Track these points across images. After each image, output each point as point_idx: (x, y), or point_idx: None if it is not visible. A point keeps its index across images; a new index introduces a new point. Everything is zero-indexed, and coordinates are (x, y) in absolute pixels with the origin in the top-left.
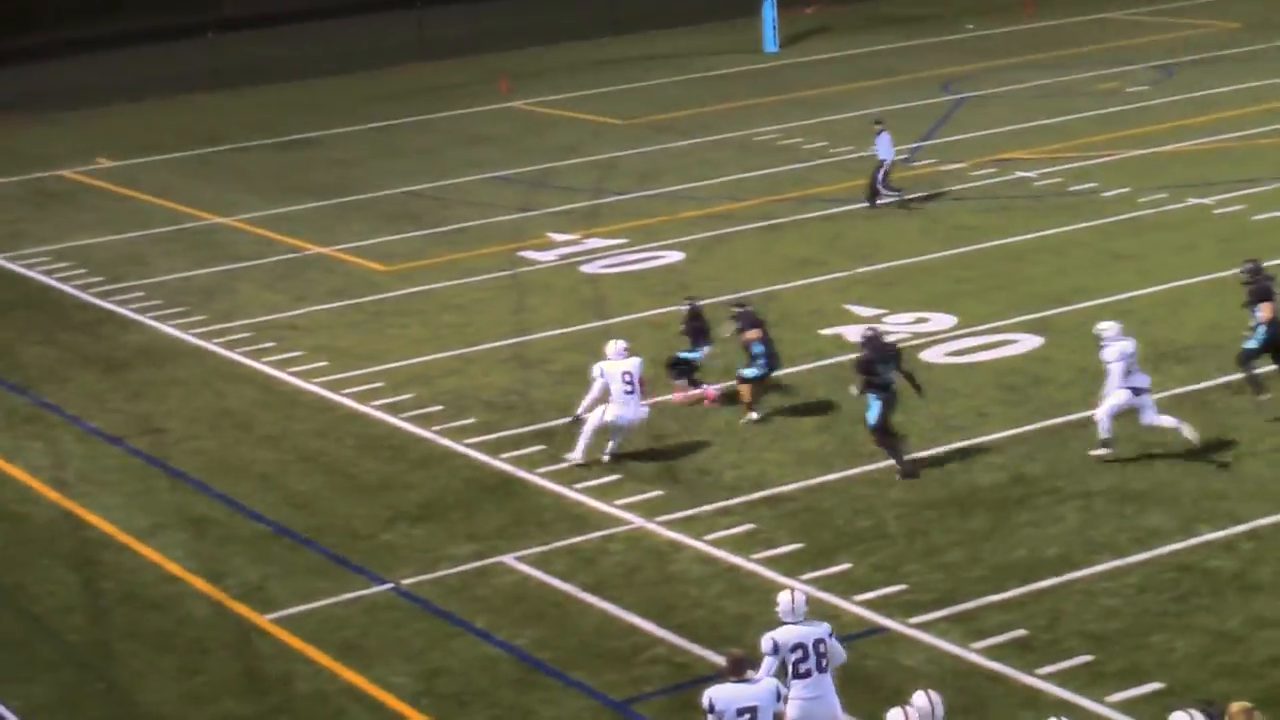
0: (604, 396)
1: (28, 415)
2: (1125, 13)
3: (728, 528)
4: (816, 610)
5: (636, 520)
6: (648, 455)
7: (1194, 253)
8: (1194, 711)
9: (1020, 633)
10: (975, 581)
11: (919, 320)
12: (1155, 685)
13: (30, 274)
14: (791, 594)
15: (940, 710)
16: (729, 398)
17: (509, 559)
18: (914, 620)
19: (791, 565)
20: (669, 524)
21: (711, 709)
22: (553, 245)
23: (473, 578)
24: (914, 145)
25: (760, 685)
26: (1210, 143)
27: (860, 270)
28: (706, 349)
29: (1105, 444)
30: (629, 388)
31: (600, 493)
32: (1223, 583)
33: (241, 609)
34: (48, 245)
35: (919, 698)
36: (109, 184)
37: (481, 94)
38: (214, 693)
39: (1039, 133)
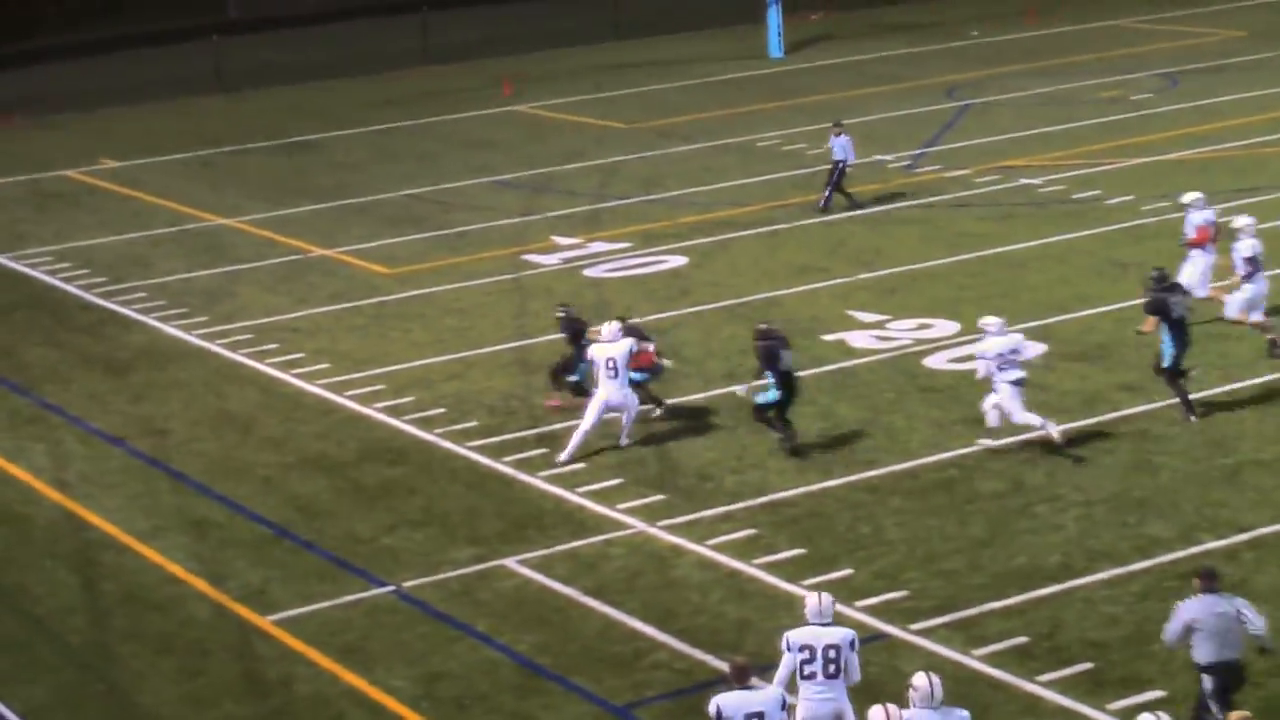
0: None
1: (30, 416)
2: (1130, 20)
3: (729, 533)
4: None
5: (638, 525)
6: (649, 460)
7: None
8: (1161, 714)
9: (1021, 640)
10: (976, 588)
11: (922, 326)
12: (1156, 693)
13: (33, 274)
14: (819, 596)
15: (939, 691)
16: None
17: (510, 563)
18: (915, 627)
19: (793, 571)
20: (670, 529)
21: (719, 716)
22: (556, 249)
23: (474, 581)
24: (917, 152)
25: (766, 692)
26: (1214, 151)
27: (862, 276)
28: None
29: (991, 434)
30: (611, 372)
31: (602, 497)
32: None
33: (242, 611)
34: (50, 246)
35: (919, 678)
36: (112, 185)
37: (485, 98)
38: (214, 695)
39: (1043, 140)
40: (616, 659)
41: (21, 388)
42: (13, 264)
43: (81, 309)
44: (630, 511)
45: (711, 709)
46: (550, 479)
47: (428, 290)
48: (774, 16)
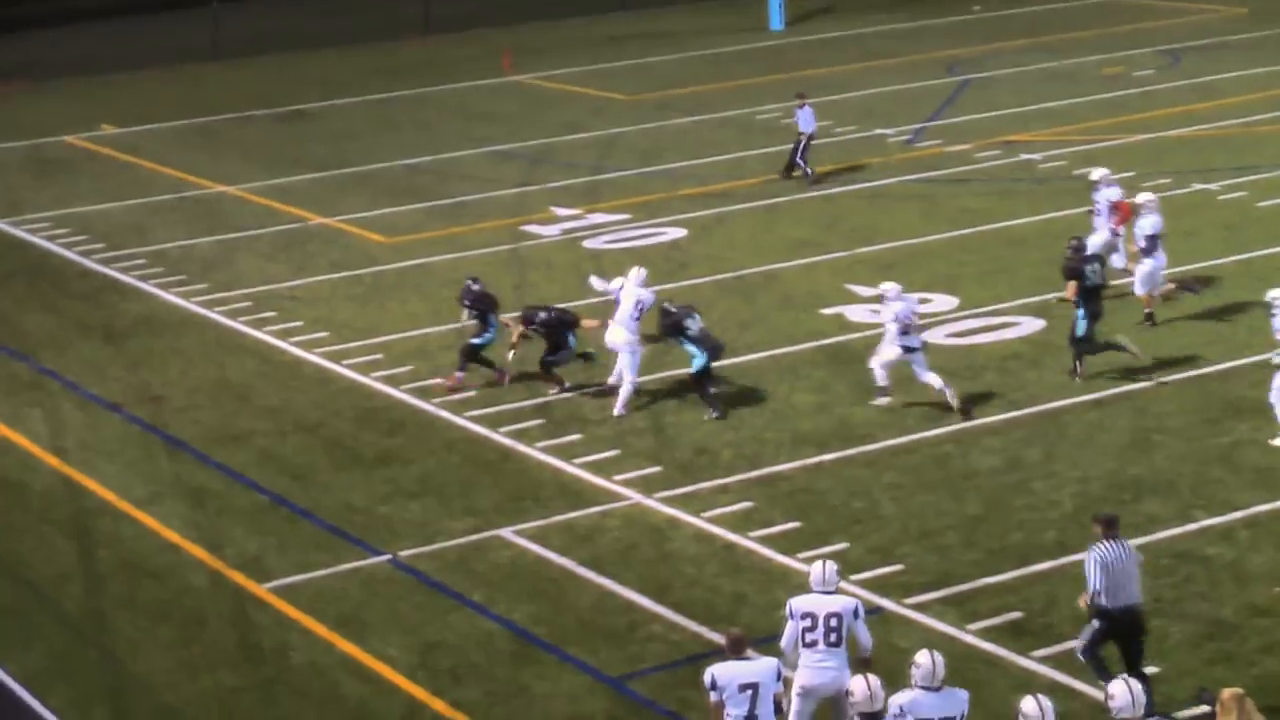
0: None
1: (28, 382)
2: None
3: (725, 506)
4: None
5: (634, 496)
6: (646, 432)
7: (1197, 239)
8: (1041, 697)
9: (1015, 615)
10: (970, 564)
11: (921, 301)
12: (1150, 670)
13: (32, 240)
14: (823, 564)
15: (941, 671)
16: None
17: (506, 533)
18: (909, 601)
19: (788, 545)
20: (666, 501)
21: (713, 685)
22: (555, 220)
23: (470, 551)
24: (918, 126)
25: (761, 662)
26: (1215, 129)
27: (861, 250)
28: (491, 332)
29: (883, 392)
30: (636, 313)
31: (598, 468)
32: (1219, 570)
33: (239, 579)
34: (49, 212)
35: (922, 655)
36: (111, 150)
37: (484, 69)
38: (209, 662)
39: (1043, 116)
40: (612, 630)
41: (20, 354)
42: (12, 230)
43: (80, 276)
44: (627, 483)
45: (706, 679)
46: (547, 450)
47: (426, 260)
48: None
